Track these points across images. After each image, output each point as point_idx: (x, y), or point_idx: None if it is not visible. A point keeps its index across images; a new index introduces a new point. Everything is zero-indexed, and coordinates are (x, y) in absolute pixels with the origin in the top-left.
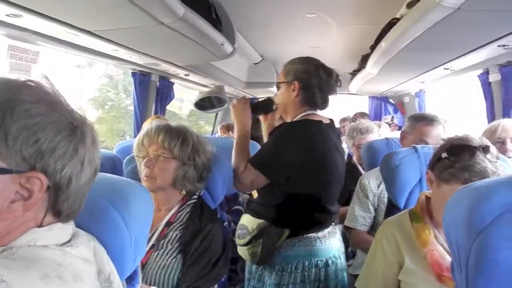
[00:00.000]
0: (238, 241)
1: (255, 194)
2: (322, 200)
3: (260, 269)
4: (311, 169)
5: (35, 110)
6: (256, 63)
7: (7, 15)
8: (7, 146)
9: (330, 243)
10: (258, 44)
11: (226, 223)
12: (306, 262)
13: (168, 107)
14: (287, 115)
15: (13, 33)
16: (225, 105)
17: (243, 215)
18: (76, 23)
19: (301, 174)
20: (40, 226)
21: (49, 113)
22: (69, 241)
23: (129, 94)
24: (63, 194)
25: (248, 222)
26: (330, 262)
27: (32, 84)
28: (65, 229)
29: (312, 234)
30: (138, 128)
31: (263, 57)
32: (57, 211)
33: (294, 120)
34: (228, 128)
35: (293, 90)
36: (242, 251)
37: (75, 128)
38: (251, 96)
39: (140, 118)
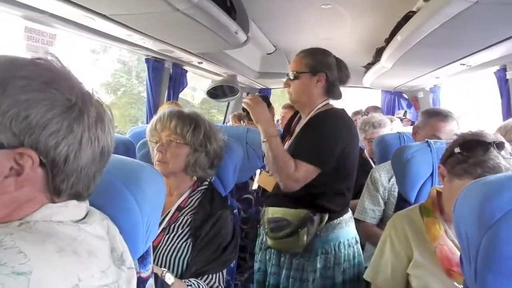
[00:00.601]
0: (274, 234)
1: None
2: (351, 181)
3: (297, 258)
4: (351, 152)
5: (30, 86)
6: (270, 53)
7: None
8: (0, 122)
9: (353, 222)
10: (272, 34)
11: (236, 211)
12: (346, 242)
13: (180, 95)
14: (304, 105)
15: (30, 14)
16: (238, 95)
17: (267, 208)
18: (92, 7)
19: (345, 158)
20: (54, 202)
21: (44, 89)
22: (83, 218)
23: (141, 81)
24: (61, 172)
25: (284, 214)
26: (357, 238)
27: (38, 61)
28: (80, 207)
29: (345, 214)
30: (150, 114)
31: (277, 47)
32: (57, 189)
33: (315, 109)
34: (239, 117)
35: (318, 81)
36: (281, 244)
37: (72, 106)
38: (263, 87)
39: (152, 104)
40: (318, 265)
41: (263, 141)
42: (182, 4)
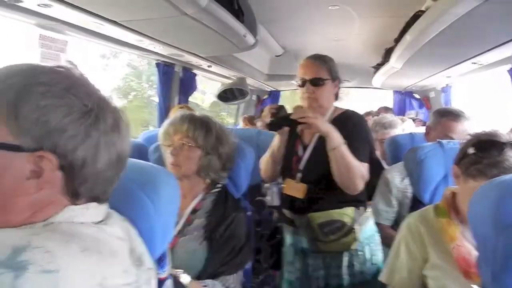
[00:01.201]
0: (329, 238)
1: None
2: None
3: (345, 254)
4: None
5: (49, 93)
6: (278, 56)
7: (38, 5)
8: (19, 126)
9: None
10: (280, 36)
11: (249, 213)
12: (375, 228)
13: (190, 99)
14: (322, 109)
15: (43, 22)
16: (247, 97)
17: (312, 214)
18: (102, 13)
19: None
20: (74, 205)
21: (63, 95)
22: (103, 220)
23: (151, 84)
24: (78, 176)
25: (334, 215)
26: None
27: (58, 69)
28: (100, 209)
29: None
30: (161, 118)
31: (285, 49)
32: (75, 193)
33: (330, 113)
34: (250, 120)
35: (335, 87)
36: (337, 245)
37: (89, 111)
38: (272, 89)
39: (163, 108)
40: (368, 256)
41: (332, 149)
42: (190, 9)
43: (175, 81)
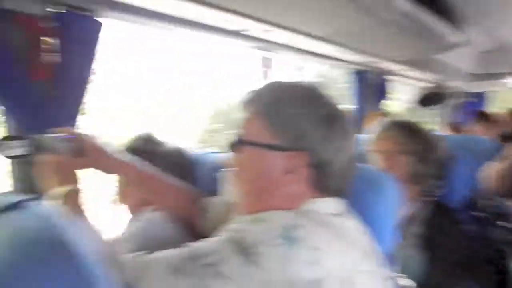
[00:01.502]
0: None
1: None
2: None
3: None
4: None
5: (297, 103)
6: (485, 52)
7: (263, 31)
8: (278, 131)
9: None
10: (488, 30)
11: (469, 227)
12: None
13: (384, 105)
14: None
15: (261, 45)
16: (448, 101)
17: None
18: (309, 31)
19: None
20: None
21: (307, 105)
22: (341, 213)
23: (338, 92)
24: (325, 174)
25: None
26: None
27: (298, 84)
28: (339, 203)
29: None
30: (357, 125)
31: (495, 44)
32: (321, 187)
33: None
34: (455, 126)
35: None
36: None
37: (329, 118)
38: (475, 90)
39: (359, 115)
40: None
41: None
42: (390, 15)
43: (368, 88)
